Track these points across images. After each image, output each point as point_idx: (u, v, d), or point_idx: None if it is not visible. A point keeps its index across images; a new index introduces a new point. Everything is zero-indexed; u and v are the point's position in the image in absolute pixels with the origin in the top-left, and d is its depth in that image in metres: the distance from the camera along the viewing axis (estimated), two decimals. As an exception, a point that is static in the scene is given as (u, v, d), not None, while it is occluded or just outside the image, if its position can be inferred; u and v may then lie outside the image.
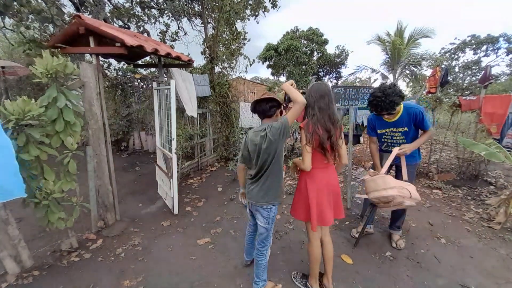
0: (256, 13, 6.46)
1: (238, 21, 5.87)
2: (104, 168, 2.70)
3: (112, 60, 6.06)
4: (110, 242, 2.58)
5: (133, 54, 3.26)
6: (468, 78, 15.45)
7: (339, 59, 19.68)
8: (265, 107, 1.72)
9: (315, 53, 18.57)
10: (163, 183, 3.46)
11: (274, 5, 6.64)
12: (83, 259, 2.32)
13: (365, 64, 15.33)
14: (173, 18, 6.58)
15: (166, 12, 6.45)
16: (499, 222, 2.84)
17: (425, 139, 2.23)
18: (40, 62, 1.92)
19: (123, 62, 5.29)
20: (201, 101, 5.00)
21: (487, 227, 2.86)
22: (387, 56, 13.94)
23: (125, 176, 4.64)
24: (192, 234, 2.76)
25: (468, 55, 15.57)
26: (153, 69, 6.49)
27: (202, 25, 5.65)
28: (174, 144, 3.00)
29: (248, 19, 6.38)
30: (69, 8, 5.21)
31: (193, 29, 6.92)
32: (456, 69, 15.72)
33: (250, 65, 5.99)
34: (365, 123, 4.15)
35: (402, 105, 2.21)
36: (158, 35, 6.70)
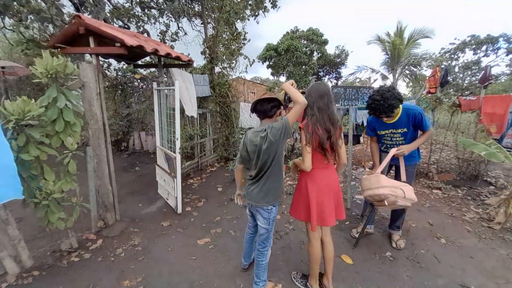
0: (256, 13, 6.47)
1: (238, 21, 5.88)
2: (104, 168, 2.70)
3: (112, 60, 6.06)
4: (110, 242, 2.58)
5: (133, 54, 3.26)
6: (468, 78, 15.44)
7: (339, 59, 19.67)
8: (267, 107, 1.70)
9: (315, 53, 18.57)
10: (165, 182, 3.46)
11: (274, 5, 6.65)
12: (83, 259, 2.31)
13: (365, 64, 15.35)
14: (172, 19, 6.58)
15: (165, 12, 6.45)
16: (499, 222, 2.85)
17: (424, 140, 2.23)
18: (40, 62, 1.92)
19: (123, 62, 5.30)
20: (201, 101, 5.00)
21: (487, 227, 2.86)
22: (387, 56, 13.94)
23: (125, 176, 4.64)
24: (192, 234, 2.76)
25: (468, 55, 15.58)
26: (153, 69, 6.50)
27: (202, 25, 5.66)
28: (178, 144, 3.01)
29: (248, 19, 6.38)
30: (69, 8, 5.22)
31: (193, 29, 6.93)
32: (456, 69, 15.72)
33: (250, 65, 5.99)
34: (365, 123, 4.15)
35: (401, 107, 2.21)
36: (158, 35, 6.70)
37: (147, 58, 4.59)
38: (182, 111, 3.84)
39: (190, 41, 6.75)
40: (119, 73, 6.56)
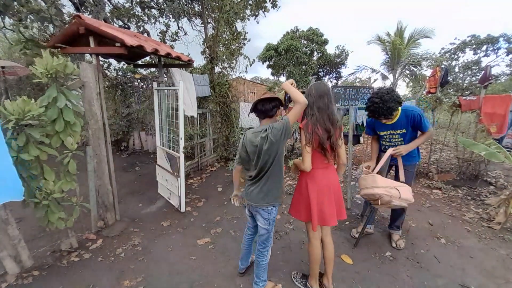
0: (256, 13, 6.46)
1: (238, 21, 5.88)
2: (104, 168, 2.70)
3: (112, 60, 6.06)
4: (110, 242, 2.58)
5: (133, 54, 3.26)
6: (468, 78, 15.43)
7: (339, 59, 19.67)
8: (268, 106, 1.69)
9: (315, 53, 18.56)
10: (167, 182, 3.46)
11: (274, 5, 6.64)
12: (83, 259, 2.31)
13: (365, 64, 15.35)
14: (172, 19, 6.58)
15: (165, 13, 6.45)
16: (499, 222, 2.84)
17: (423, 140, 2.23)
18: (40, 62, 1.92)
19: (123, 62, 5.29)
20: (201, 101, 5.00)
21: (487, 227, 2.86)
22: (387, 56, 13.93)
23: (125, 176, 4.64)
24: (192, 234, 2.76)
25: (468, 55, 15.57)
26: (153, 69, 6.49)
27: (202, 25, 5.65)
28: (181, 143, 3.04)
29: (248, 19, 6.38)
30: (69, 8, 5.22)
31: (193, 29, 6.92)
32: (456, 69, 15.71)
33: (250, 65, 5.99)
34: (365, 123, 4.15)
35: (400, 108, 2.21)
36: (158, 35, 6.70)
37: (147, 58, 4.59)
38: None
39: (190, 41, 6.75)
40: (119, 73, 6.56)
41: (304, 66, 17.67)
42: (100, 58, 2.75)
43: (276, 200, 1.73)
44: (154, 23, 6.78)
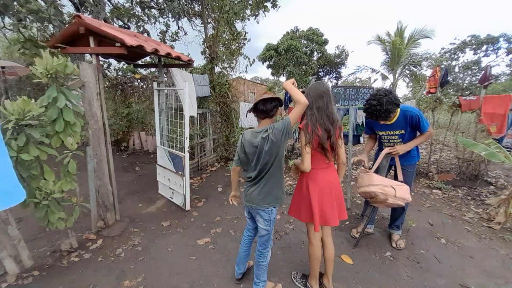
0: (256, 13, 6.46)
1: (238, 21, 5.88)
2: (104, 168, 2.70)
3: (112, 60, 6.07)
4: (110, 242, 2.58)
5: (133, 54, 3.26)
6: (468, 78, 15.46)
7: (339, 59, 19.68)
8: (269, 106, 1.67)
9: (315, 53, 18.57)
10: (170, 181, 3.47)
11: (274, 5, 6.64)
12: (83, 259, 2.31)
13: (365, 64, 15.33)
14: (172, 19, 6.58)
15: (165, 13, 6.45)
16: (499, 222, 2.84)
17: (422, 140, 2.23)
18: (40, 62, 1.92)
19: (123, 62, 5.30)
20: (201, 101, 5.00)
21: (487, 227, 2.86)
22: (387, 56, 13.93)
23: (125, 176, 4.64)
24: (192, 234, 2.76)
25: (468, 55, 15.60)
26: (153, 69, 6.50)
27: (202, 25, 5.65)
28: (187, 143, 3.07)
29: (248, 19, 6.38)
30: (69, 8, 5.23)
31: (193, 29, 6.94)
32: (456, 69, 15.73)
33: (250, 65, 6.00)
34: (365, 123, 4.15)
35: (398, 109, 2.21)
36: (158, 35, 6.70)
37: (147, 58, 4.59)
38: (182, 110, 3.85)
39: (190, 41, 6.79)
40: (119, 73, 6.57)
41: (304, 66, 17.68)
42: (100, 58, 2.75)
43: (276, 201, 1.73)
44: (154, 23, 6.79)
